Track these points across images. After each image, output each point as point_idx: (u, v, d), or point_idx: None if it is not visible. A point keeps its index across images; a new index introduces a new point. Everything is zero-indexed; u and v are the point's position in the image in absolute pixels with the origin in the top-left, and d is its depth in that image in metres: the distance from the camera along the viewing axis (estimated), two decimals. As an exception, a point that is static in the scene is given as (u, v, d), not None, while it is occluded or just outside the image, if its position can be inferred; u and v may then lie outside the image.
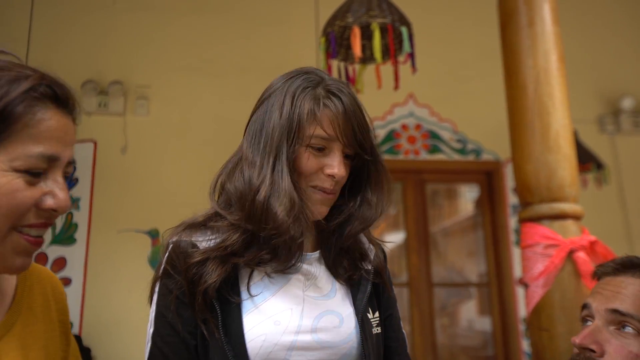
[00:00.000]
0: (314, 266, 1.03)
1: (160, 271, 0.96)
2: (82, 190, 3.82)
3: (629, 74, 4.49)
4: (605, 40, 4.51)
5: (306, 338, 0.94)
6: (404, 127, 4.24)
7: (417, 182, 4.29)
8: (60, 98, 0.81)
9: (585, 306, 0.96)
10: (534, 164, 1.71)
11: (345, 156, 0.99)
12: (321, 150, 0.97)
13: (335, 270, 1.03)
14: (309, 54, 3.77)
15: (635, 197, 4.30)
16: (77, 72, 3.91)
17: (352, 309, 1.00)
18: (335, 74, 2.43)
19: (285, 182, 0.94)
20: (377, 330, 1.02)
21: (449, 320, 4.40)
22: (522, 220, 1.75)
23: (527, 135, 1.74)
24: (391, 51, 2.13)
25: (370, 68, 2.50)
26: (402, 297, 4.21)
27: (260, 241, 0.95)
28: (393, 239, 4.34)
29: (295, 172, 0.96)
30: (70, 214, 3.78)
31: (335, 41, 2.22)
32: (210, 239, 0.96)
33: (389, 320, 1.08)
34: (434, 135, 4.26)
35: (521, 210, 1.77)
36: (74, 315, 3.56)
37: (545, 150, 1.71)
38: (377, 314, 1.03)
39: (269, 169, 0.95)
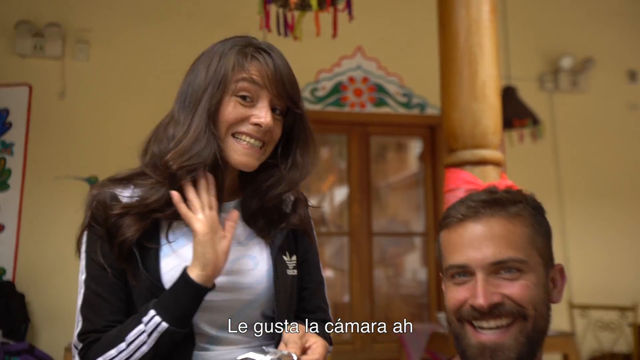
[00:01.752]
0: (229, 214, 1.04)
1: (86, 222, 0.99)
2: (16, 135, 3.69)
3: (569, 34, 4.61)
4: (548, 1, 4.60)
5: (221, 279, 0.97)
6: (351, 79, 4.25)
7: (362, 134, 4.34)
8: None
9: (454, 266, 0.91)
10: (460, 112, 1.76)
11: (275, 111, 1.01)
12: (248, 101, 0.98)
13: (252, 223, 1.05)
14: (250, 1, 3.69)
15: (568, 153, 4.49)
16: (10, 12, 3.72)
17: (266, 251, 1.04)
18: (273, 21, 2.40)
19: (193, 128, 0.96)
20: (293, 272, 1.05)
21: (394, 271, 4.55)
22: (446, 166, 1.81)
23: (455, 84, 1.78)
24: (328, -2, 2.12)
25: (312, 17, 2.47)
26: (343, 247, 4.32)
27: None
28: (341, 193, 4.41)
29: (218, 121, 0.98)
30: (3, 160, 3.66)
31: (274, -15, 2.17)
32: (133, 196, 0.98)
33: (306, 264, 1.11)
34: (380, 89, 4.29)
35: (446, 156, 1.83)
36: (7, 262, 3.50)
37: (471, 99, 1.76)
38: (294, 257, 1.06)
39: (187, 124, 0.98)
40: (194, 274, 0.91)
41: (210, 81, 0.98)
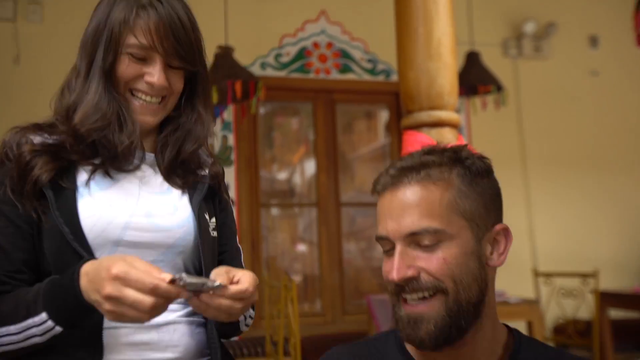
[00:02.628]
0: (152, 167, 1.05)
1: None
2: (-32, 101, 3.56)
3: (533, -1, 4.61)
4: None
5: (141, 220, 0.96)
6: (315, 45, 4.19)
7: (327, 101, 4.30)
8: None
9: (378, 237, 0.90)
10: (415, 71, 1.74)
11: (173, 67, 0.99)
12: (142, 60, 0.97)
13: (169, 177, 1.04)
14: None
15: (532, 120, 4.53)
16: (-44, -29, 3.55)
17: (186, 200, 1.03)
18: (231, -21, 2.33)
19: (93, 88, 0.96)
20: (214, 234, 1.04)
21: (365, 243, 4.54)
22: (404, 128, 1.80)
23: (410, 42, 1.76)
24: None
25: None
26: (312, 221, 4.31)
27: (93, 147, 0.96)
28: (311, 165, 4.38)
29: (115, 79, 0.97)
30: (-44, 127, 3.53)
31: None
32: (48, 139, 0.96)
33: (223, 228, 1.10)
34: (345, 55, 4.24)
35: (403, 118, 1.82)
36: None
37: (426, 58, 1.74)
38: (213, 220, 1.05)
39: (86, 81, 0.97)
40: (93, 299, 0.80)
41: (101, 37, 0.97)
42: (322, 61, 4.20)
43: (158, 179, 1.04)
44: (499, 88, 3.68)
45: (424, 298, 0.84)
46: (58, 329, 0.84)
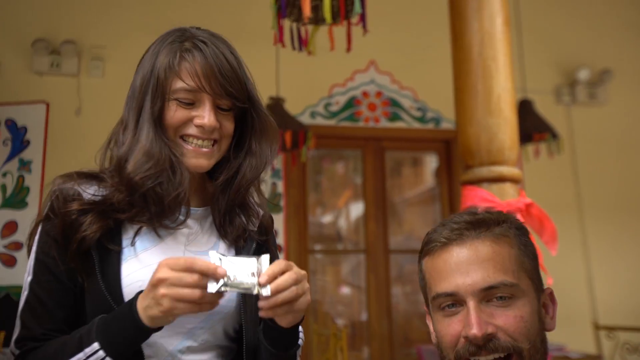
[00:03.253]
0: (199, 222, 1.02)
1: (43, 213, 0.95)
2: (34, 152, 3.72)
3: (586, 46, 4.55)
4: (563, 11, 4.55)
5: None
6: (365, 94, 4.24)
7: (376, 149, 4.31)
8: None
9: (442, 294, 0.85)
10: (475, 127, 1.73)
11: (222, 109, 0.98)
12: (190, 104, 0.96)
13: (223, 229, 1.02)
14: (265, 15, 3.70)
15: (588, 168, 4.41)
16: (27, 30, 3.78)
17: None
18: (287, 35, 2.39)
19: (144, 136, 0.94)
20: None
21: (412, 288, 4.46)
22: (463, 183, 1.77)
23: (470, 98, 1.75)
24: (341, 12, 2.10)
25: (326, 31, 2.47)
26: (359, 264, 4.27)
27: (143, 199, 0.94)
28: (357, 208, 4.37)
29: (163, 126, 0.96)
30: (22, 177, 3.69)
31: (287, 0, 2.17)
32: (97, 194, 0.95)
33: None
34: (394, 103, 4.27)
35: (462, 173, 1.80)
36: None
37: (486, 114, 1.72)
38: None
39: (135, 131, 0.96)
40: (146, 317, 0.83)
41: (148, 85, 0.96)
42: (372, 110, 4.23)
43: (205, 237, 1.02)
44: (554, 136, 3.61)
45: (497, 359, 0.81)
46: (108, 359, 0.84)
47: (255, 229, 1.05)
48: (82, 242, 0.90)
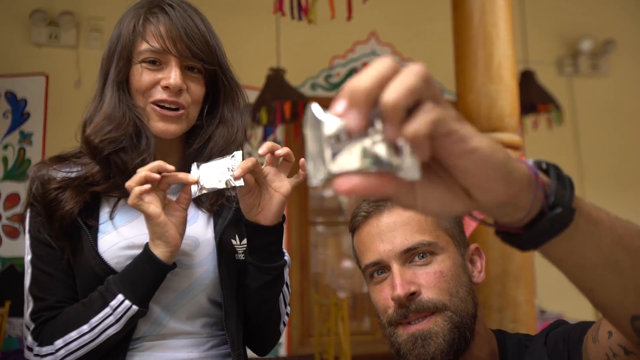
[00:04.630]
0: (175, 194, 0.99)
1: (27, 201, 0.96)
2: (34, 125, 3.72)
3: (589, 16, 4.50)
4: (568, -20, 4.50)
5: None
6: (365, 65, 4.20)
7: (377, 121, 4.29)
8: None
9: (370, 265, 0.88)
10: (475, 94, 1.71)
11: (192, 69, 0.96)
12: (156, 65, 0.94)
13: (198, 198, 1.00)
14: (266, -15, 3.67)
15: (589, 139, 4.40)
16: (25, 1, 3.74)
17: (212, 234, 1.00)
18: (287, 4, 2.37)
19: (107, 100, 0.94)
20: (242, 257, 1.00)
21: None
22: (463, 151, 1.77)
23: (470, 66, 1.73)
24: (341, -21, 2.09)
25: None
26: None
27: (110, 167, 0.95)
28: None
29: (132, 91, 0.95)
30: (23, 150, 3.69)
31: (286, -32, 2.15)
32: (72, 171, 0.95)
33: None
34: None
35: (462, 140, 1.79)
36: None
37: (487, 81, 1.71)
38: (244, 242, 1.00)
39: (100, 96, 0.96)
40: (159, 252, 0.88)
41: (114, 51, 0.95)
42: (372, 81, 4.21)
43: None
44: (557, 107, 3.60)
45: (424, 317, 0.84)
46: (135, 308, 0.88)
47: (233, 196, 1.04)
48: (63, 218, 0.91)
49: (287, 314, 1.10)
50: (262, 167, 0.93)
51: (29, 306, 0.93)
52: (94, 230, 0.93)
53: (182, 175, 0.88)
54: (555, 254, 0.50)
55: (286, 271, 1.03)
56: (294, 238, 3.98)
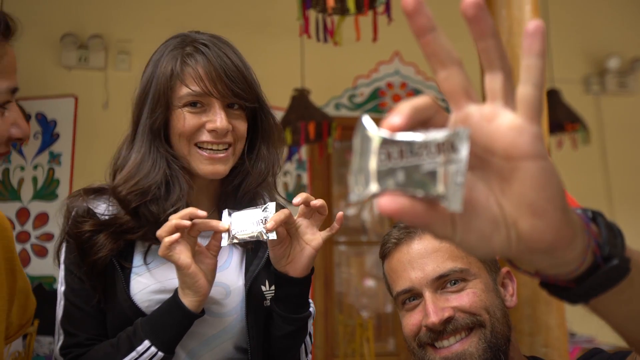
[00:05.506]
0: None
1: (63, 234, 0.95)
2: (63, 145, 3.80)
3: (616, 34, 4.45)
4: (592, 0, 4.47)
5: None
6: (389, 85, 4.21)
7: (401, 141, 4.29)
8: (10, 30, 0.81)
9: (401, 292, 0.88)
10: (503, 115, 1.70)
11: (232, 106, 0.95)
12: (197, 107, 0.92)
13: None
14: (290, 7, 3.71)
15: (617, 158, 4.32)
16: (55, 25, 3.85)
17: (243, 281, 0.98)
18: (312, 26, 2.39)
19: (136, 149, 0.93)
20: (269, 303, 0.99)
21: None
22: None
23: (497, 87, 1.73)
24: (366, 1, 2.10)
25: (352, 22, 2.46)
26: (384, 255, 4.27)
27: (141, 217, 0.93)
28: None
29: (172, 137, 0.94)
30: (52, 170, 3.77)
31: (312, -9, 2.17)
32: (106, 212, 0.94)
33: None
34: (419, 94, 4.24)
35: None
36: (57, 271, 3.59)
37: (515, 102, 1.70)
38: (273, 287, 0.98)
39: (131, 144, 0.95)
40: (187, 300, 0.87)
41: (147, 95, 0.93)
42: (396, 101, 4.21)
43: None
44: (584, 126, 3.55)
45: (460, 340, 0.83)
46: (160, 354, 0.87)
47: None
48: (96, 263, 0.91)
49: (310, 353, 1.09)
50: (295, 218, 0.91)
51: (59, 339, 0.94)
52: (127, 272, 0.93)
53: (214, 223, 0.86)
54: (605, 307, 0.47)
55: (310, 322, 1.01)
56: (318, 257, 3.96)
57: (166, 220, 0.86)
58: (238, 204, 0.98)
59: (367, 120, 0.39)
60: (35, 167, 3.77)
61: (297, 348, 1.01)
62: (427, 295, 0.85)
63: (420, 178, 0.36)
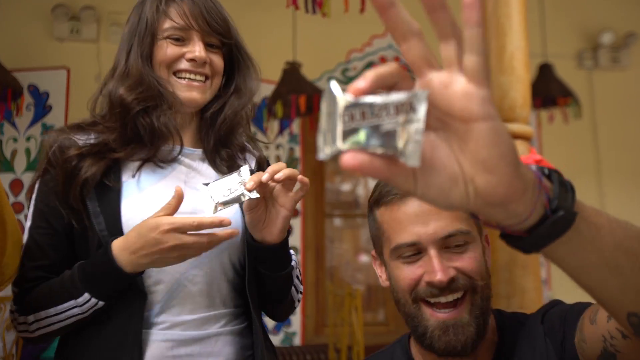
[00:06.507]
0: (196, 162, 1.08)
1: (41, 168, 1.00)
2: (56, 117, 3.80)
3: (610, 9, 4.43)
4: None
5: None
6: (382, 59, 4.21)
7: (393, 115, 4.29)
8: None
9: (403, 245, 0.87)
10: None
11: (212, 45, 1.05)
12: (179, 41, 1.03)
13: (214, 162, 1.08)
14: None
15: (608, 133, 4.34)
16: (47, -4, 3.82)
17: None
18: (301, -3, 2.39)
19: (134, 70, 1.01)
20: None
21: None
22: (474, 142, 1.77)
23: (482, 56, 1.74)
24: (355, -29, 2.10)
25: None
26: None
27: (138, 137, 1.01)
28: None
29: (154, 65, 1.03)
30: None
31: (301, -39, 2.17)
32: (90, 138, 1.00)
33: None
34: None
35: (474, 131, 1.79)
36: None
37: (498, 72, 1.71)
38: None
39: (122, 66, 1.04)
40: (137, 264, 0.91)
41: (136, 31, 1.04)
42: (389, 75, 4.21)
43: (205, 173, 1.07)
44: (576, 101, 3.57)
45: (456, 300, 0.85)
46: (101, 303, 0.93)
47: (253, 168, 1.12)
48: (85, 184, 0.96)
49: (301, 292, 1.16)
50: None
51: (18, 270, 0.99)
52: (115, 192, 0.98)
53: (216, 222, 0.91)
54: (556, 255, 0.52)
55: (294, 273, 1.09)
56: (310, 229, 4.01)
57: (162, 128, 0.99)
58: (217, 137, 1.08)
59: (334, 84, 0.42)
60: (28, 139, 3.77)
61: (288, 289, 1.09)
62: (433, 252, 0.85)
63: (381, 136, 0.41)
